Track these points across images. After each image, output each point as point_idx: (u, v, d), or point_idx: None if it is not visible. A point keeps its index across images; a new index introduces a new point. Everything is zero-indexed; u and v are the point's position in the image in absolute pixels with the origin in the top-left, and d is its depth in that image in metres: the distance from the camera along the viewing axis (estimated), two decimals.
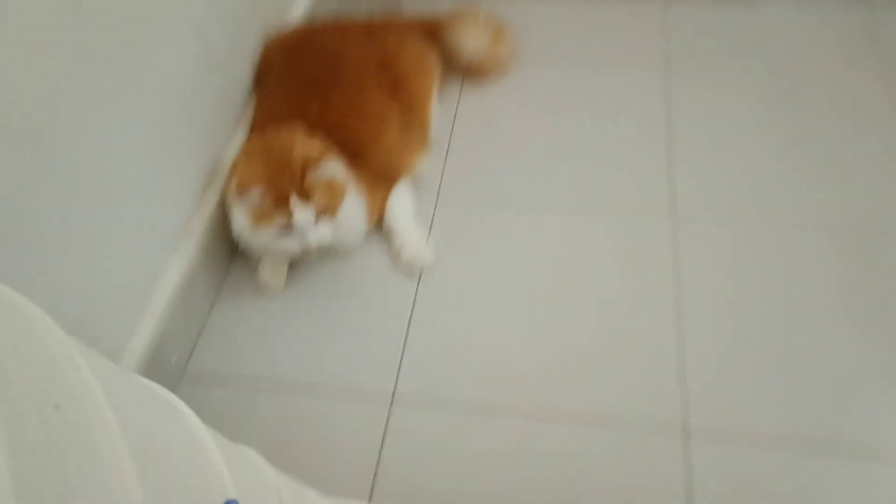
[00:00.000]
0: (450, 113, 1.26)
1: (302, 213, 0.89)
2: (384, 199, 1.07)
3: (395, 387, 0.92)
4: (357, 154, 1.03)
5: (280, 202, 0.90)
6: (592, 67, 1.31)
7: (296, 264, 1.04)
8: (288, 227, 0.91)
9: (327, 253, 1.04)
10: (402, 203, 1.08)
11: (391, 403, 0.90)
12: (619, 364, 0.92)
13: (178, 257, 0.93)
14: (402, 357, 0.94)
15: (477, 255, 1.05)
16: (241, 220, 0.93)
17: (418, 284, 1.02)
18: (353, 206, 1.00)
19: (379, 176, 1.07)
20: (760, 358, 0.91)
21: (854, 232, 1.03)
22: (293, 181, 0.90)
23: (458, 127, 1.24)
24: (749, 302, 0.97)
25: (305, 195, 0.90)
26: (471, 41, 1.25)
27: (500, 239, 1.07)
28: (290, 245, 0.94)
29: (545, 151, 1.18)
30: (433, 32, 1.27)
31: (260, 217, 0.91)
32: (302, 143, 0.94)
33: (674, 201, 1.09)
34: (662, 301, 0.98)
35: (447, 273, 1.03)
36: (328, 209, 0.92)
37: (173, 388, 0.91)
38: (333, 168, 0.94)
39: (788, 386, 0.89)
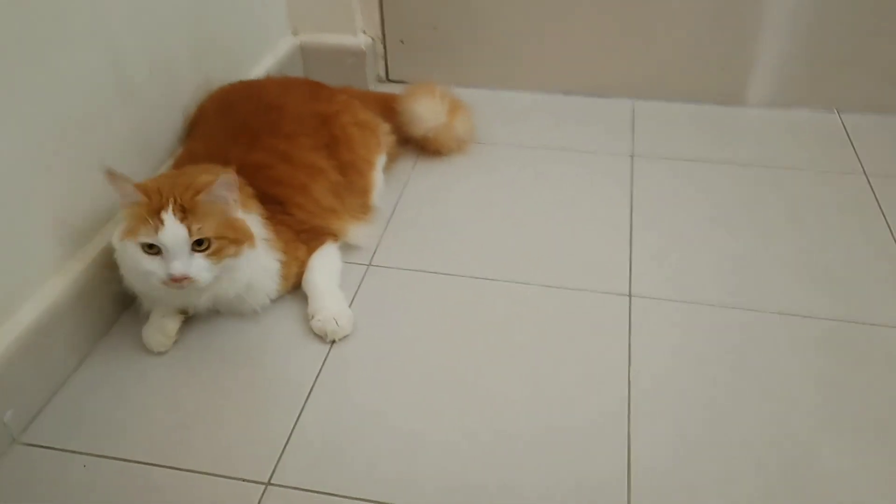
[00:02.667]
0: (400, 184, 1.16)
1: (173, 227, 0.75)
2: (304, 259, 0.94)
3: (270, 475, 0.73)
4: (279, 203, 0.92)
5: (154, 213, 0.76)
6: (557, 150, 1.24)
7: (196, 323, 0.89)
8: (152, 240, 0.75)
9: (229, 310, 0.89)
10: (324, 266, 0.95)
11: (263, 494, 0.71)
12: (556, 452, 0.74)
13: (40, 296, 0.79)
14: (287, 440, 0.76)
15: (403, 325, 0.90)
16: (116, 237, 0.80)
17: (327, 355, 0.86)
18: (263, 259, 0.86)
19: (302, 233, 0.94)
20: (710, 445, 0.73)
21: (823, 323, 0.89)
22: (175, 193, 0.77)
23: (407, 198, 1.13)
24: (702, 388, 0.80)
25: (185, 213, 0.77)
26: (426, 113, 1.18)
27: (433, 309, 0.92)
28: (157, 274, 0.77)
29: (495, 226, 1.07)
30: (389, 105, 1.20)
31: (129, 230, 0.77)
32: (207, 170, 0.83)
33: (628, 280, 0.96)
34: (610, 386, 0.81)
35: (364, 344, 0.87)
36: (219, 247, 0.78)
37: None
38: (238, 208, 0.82)
39: (737, 477, 0.70)
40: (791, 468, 0.72)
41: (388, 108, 1.20)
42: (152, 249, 0.77)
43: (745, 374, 0.83)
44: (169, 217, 0.75)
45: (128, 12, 0.89)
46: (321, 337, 0.88)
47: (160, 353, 0.86)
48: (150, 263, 0.77)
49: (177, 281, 0.76)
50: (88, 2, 0.82)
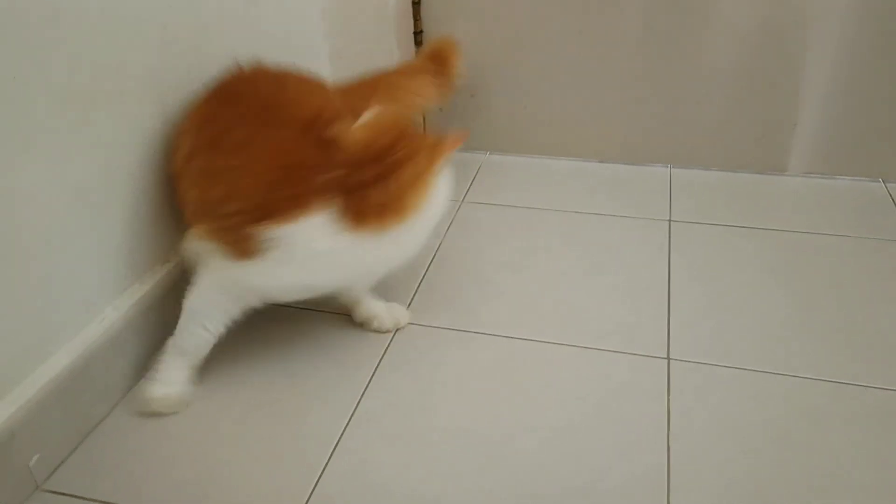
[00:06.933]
0: (434, 243, 1.16)
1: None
2: None
3: None
4: None
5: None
6: (592, 215, 1.23)
7: (219, 375, 0.89)
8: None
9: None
10: None
11: None
12: None
13: (77, 342, 0.80)
14: (307, 500, 0.74)
15: (431, 383, 0.88)
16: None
17: (354, 411, 0.84)
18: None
19: None
20: None
21: (871, 392, 0.84)
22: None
23: (441, 257, 1.13)
24: (743, 458, 0.76)
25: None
26: None
27: (464, 368, 0.91)
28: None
29: (530, 287, 1.06)
30: None
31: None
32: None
33: (666, 343, 0.93)
34: (647, 451, 0.77)
35: (390, 402, 0.86)
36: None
37: (21, 500, 0.73)
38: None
39: None
40: None
41: None
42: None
43: (789, 445, 0.78)
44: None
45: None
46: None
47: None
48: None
49: None
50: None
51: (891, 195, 1.26)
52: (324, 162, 0.75)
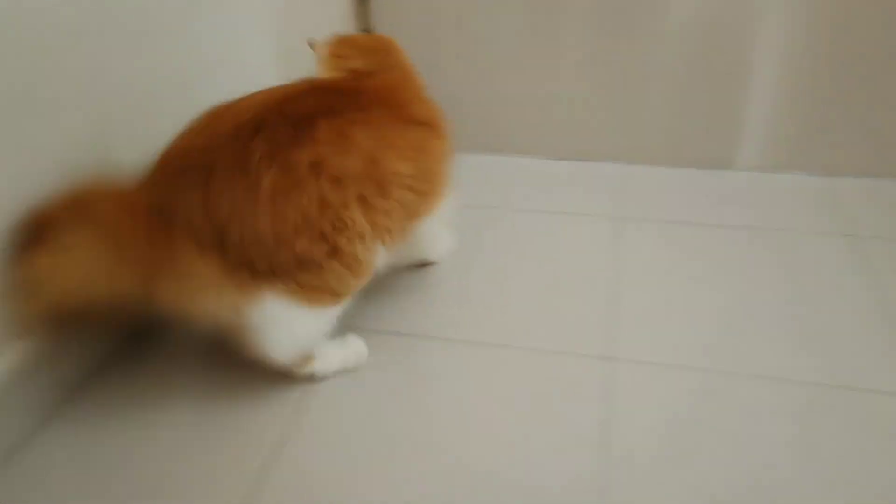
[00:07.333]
0: None
1: None
2: None
3: None
4: None
5: None
6: (541, 213, 1.23)
7: (149, 381, 0.87)
8: None
9: None
10: None
11: None
12: None
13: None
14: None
15: (375, 388, 0.87)
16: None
17: (300, 408, 0.83)
18: None
19: None
20: None
21: (806, 388, 0.85)
22: None
23: None
24: (680, 454, 0.76)
25: None
26: None
27: (402, 373, 0.89)
28: None
29: (475, 289, 1.05)
30: None
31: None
32: None
33: (610, 343, 0.93)
34: (586, 451, 0.77)
35: (336, 409, 0.84)
36: None
37: None
38: None
39: None
40: None
41: None
42: None
43: (724, 441, 0.79)
44: None
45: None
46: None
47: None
48: None
49: None
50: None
51: (833, 190, 1.28)
52: None
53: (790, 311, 0.99)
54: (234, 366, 0.88)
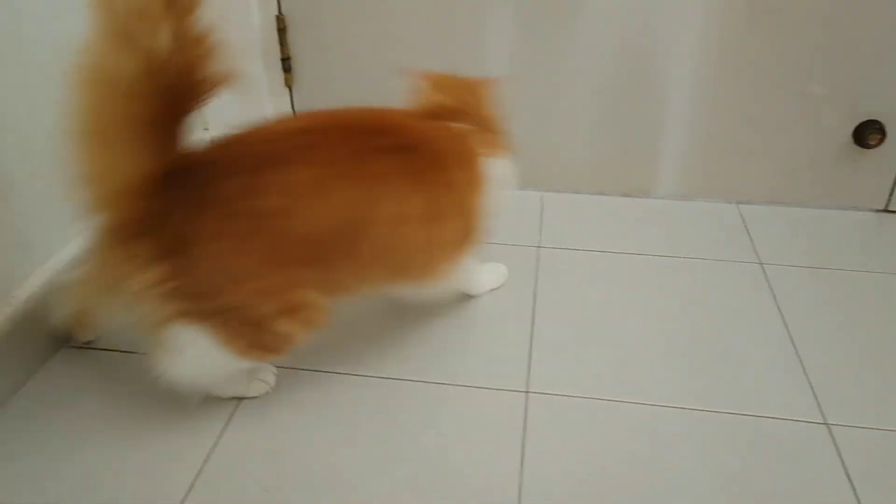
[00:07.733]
0: None
1: None
2: None
3: None
4: None
5: None
6: None
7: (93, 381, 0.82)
8: None
9: None
10: None
11: None
12: None
13: None
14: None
15: (290, 424, 0.85)
16: None
17: (230, 419, 0.79)
18: None
19: None
20: None
21: (715, 416, 0.88)
22: None
23: None
24: (592, 482, 0.77)
25: None
26: None
27: (322, 409, 0.87)
28: None
29: (384, 322, 1.04)
30: None
31: None
32: None
33: (526, 376, 0.93)
34: (501, 486, 0.77)
35: (252, 439, 0.82)
36: None
37: None
38: None
39: None
40: None
41: None
42: None
43: (634, 468, 0.80)
44: None
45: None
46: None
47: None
48: None
49: None
50: None
51: (742, 217, 1.33)
52: None
53: (698, 338, 1.01)
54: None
